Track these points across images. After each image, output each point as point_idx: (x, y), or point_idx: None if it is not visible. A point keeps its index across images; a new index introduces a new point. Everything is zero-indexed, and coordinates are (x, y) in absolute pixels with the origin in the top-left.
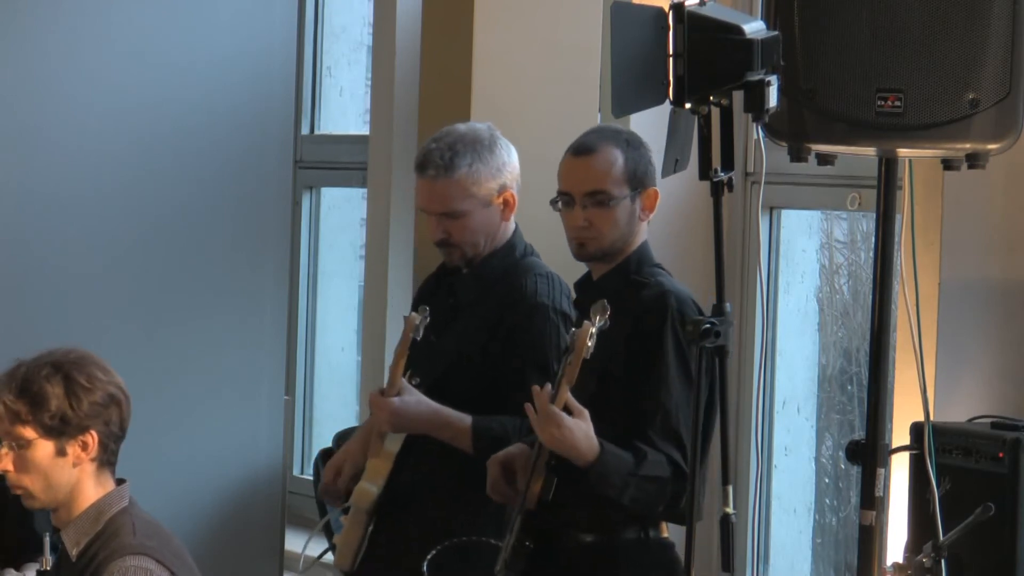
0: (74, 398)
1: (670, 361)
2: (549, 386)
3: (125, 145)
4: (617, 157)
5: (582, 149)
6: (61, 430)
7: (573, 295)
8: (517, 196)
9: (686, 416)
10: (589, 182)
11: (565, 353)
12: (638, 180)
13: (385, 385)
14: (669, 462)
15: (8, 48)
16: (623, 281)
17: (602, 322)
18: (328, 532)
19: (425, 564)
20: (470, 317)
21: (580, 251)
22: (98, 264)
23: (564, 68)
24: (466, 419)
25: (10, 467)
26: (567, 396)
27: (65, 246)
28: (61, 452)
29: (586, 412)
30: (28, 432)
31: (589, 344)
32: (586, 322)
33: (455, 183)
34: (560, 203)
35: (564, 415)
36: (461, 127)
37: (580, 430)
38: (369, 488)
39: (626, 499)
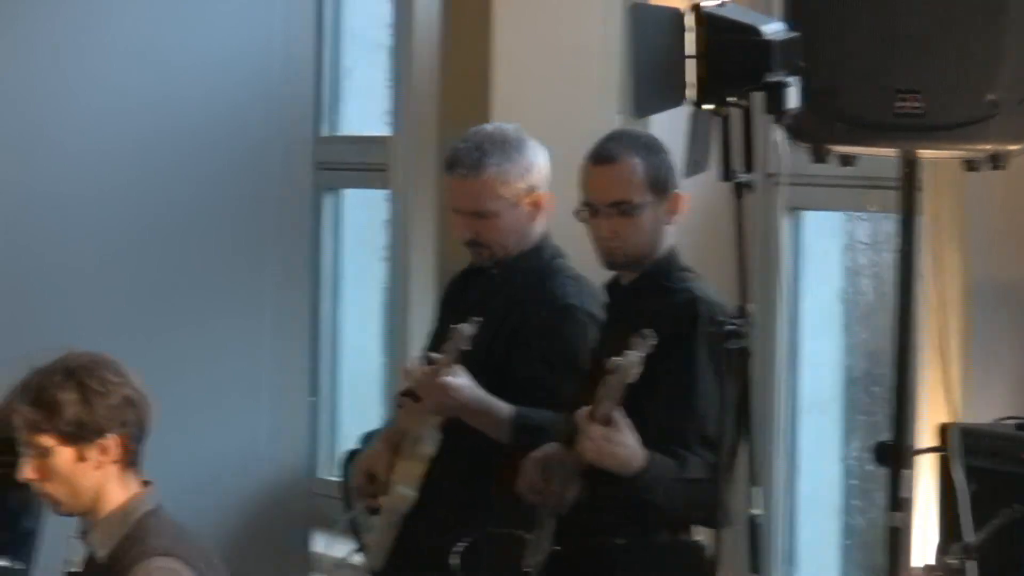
0: (89, 403)
1: (702, 367)
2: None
3: (143, 148)
4: (637, 164)
5: (601, 158)
6: (79, 436)
7: (604, 298)
8: (547, 198)
9: (718, 420)
10: (611, 192)
11: (606, 375)
12: (661, 185)
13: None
14: (707, 465)
15: (16, 47)
16: (653, 286)
17: (646, 352)
18: (356, 532)
19: (454, 557)
20: (497, 318)
21: (609, 260)
22: (123, 267)
23: (584, 69)
24: (507, 408)
25: (34, 475)
26: (607, 411)
27: (83, 248)
28: (81, 457)
29: (627, 423)
30: (47, 440)
31: (633, 373)
32: (631, 352)
33: (483, 182)
34: (584, 214)
35: (600, 428)
36: (489, 127)
37: (619, 442)
38: (404, 491)
39: (670, 505)
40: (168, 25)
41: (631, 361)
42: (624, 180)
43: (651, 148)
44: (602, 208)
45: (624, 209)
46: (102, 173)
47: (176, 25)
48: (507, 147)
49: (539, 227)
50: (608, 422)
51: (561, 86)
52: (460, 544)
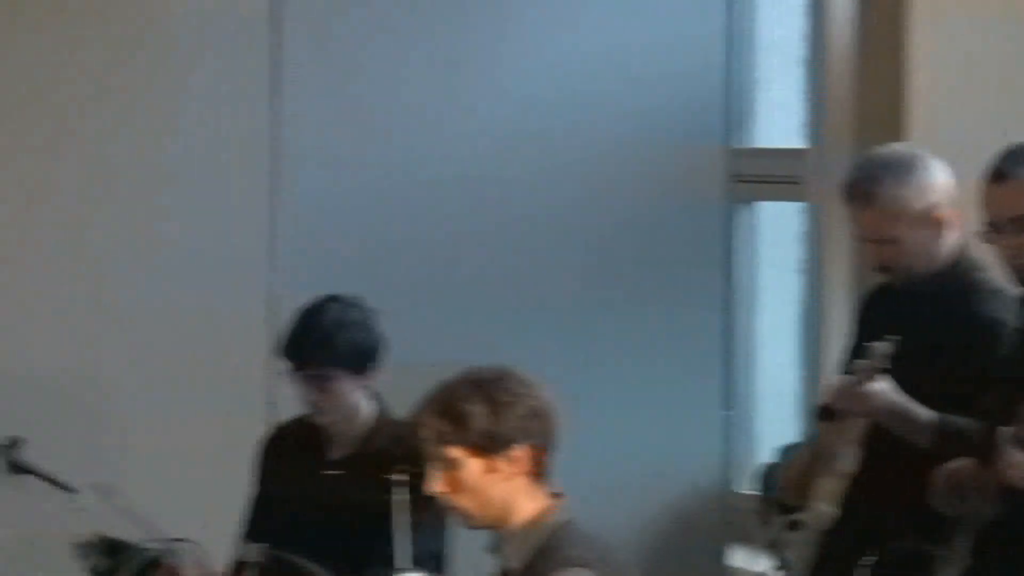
0: (497, 414)
1: None
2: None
3: (556, 159)
4: None
5: (996, 175)
6: (488, 447)
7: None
8: (952, 215)
9: None
10: (1009, 209)
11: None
12: None
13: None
14: None
15: (438, 61)
16: None
17: None
18: (775, 548)
19: (862, 571)
20: (916, 336)
21: (1019, 278)
22: (536, 280)
23: (1002, 79)
24: (929, 412)
25: (443, 488)
26: None
27: (498, 261)
28: (491, 469)
29: None
30: (456, 452)
31: None
32: None
33: (879, 210)
34: (987, 235)
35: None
36: (881, 150)
37: None
38: (823, 508)
39: None
40: (580, 41)
41: None
42: (1020, 195)
43: None
44: (1003, 226)
45: None
46: (520, 186)
47: (587, 39)
48: (899, 170)
49: (950, 243)
50: None
51: (978, 96)
52: (867, 558)
